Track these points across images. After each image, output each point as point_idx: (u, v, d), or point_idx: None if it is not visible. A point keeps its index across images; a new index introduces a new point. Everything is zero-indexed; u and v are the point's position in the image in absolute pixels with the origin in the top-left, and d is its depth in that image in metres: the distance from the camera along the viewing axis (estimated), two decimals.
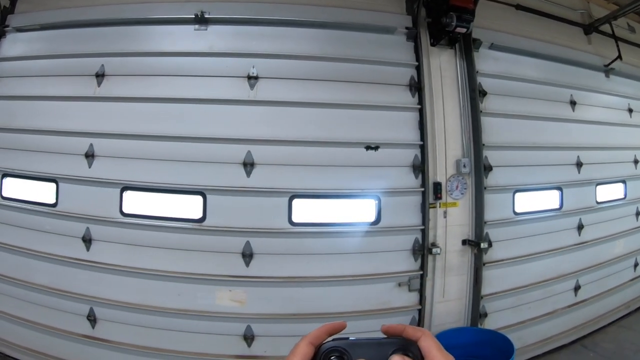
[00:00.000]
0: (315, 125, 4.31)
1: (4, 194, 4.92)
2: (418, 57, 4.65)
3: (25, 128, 4.76)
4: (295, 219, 4.26)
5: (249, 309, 4.27)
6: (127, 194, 4.33)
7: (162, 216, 4.29)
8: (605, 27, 5.80)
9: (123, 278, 4.37)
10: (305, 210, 4.28)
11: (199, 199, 4.23)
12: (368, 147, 4.39)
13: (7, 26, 5.32)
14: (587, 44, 5.88)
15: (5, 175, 4.91)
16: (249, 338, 4.27)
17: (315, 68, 4.39)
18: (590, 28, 5.80)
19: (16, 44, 5.21)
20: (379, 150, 4.41)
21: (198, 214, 4.25)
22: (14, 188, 4.90)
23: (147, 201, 4.34)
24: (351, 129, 4.35)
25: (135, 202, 4.34)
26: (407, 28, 4.66)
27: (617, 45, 5.74)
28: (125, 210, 4.32)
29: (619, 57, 5.73)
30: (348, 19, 4.51)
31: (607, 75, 6.00)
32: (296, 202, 4.26)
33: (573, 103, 5.54)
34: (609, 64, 5.86)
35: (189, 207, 4.25)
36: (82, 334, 4.52)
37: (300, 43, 4.42)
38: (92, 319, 4.47)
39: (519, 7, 5.32)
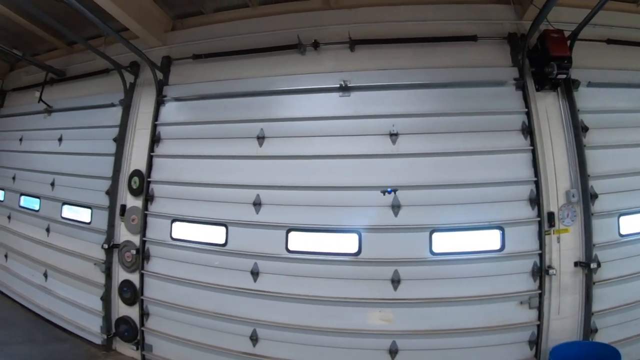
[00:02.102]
0: (447, 170, 5.45)
1: (174, 235, 6.35)
2: (527, 104, 5.67)
3: (194, 182, 6.21)
4: (435, 249, 5.39)
5: (394, 326, 5.37)
6: (292, 234, 5.64)
7: (322, 251, 5.55)
8: None
9: (285, 304, 5.63)
10: (442, 242, 5.39)
11: (355, 236, 5.46)
12: (488, 185, 5.43)
13: (165, 96, 6.75)
14: None
15: (175, 220, 6.33)
16: (393, 352, 5.36)
17: (442, 122, 5.56)
18: None
19: (174, 111, 6.67)
20: (500, 187, 5.44)
21: (354, 249, 5.46)
22: (183, 231, 6.32)
23: (308, 240, 5.62)
24: (479, 171, 5.44)
25: (299, 241, 5.64)
26: (515, 79, 5.73)
27: None
28: (291, 247, 5.63)
29: None
30: (465, 77, 5.64)
31: None
32: (436, 236, 5.38)
33: None
34: None
35: (345, 243, 5.47)
36: (243, 352, 5.80)
37: (426, 102, 5.61)
38: (254, 338, 5.74)
39: (609, 41, 5.97)
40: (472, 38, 5.74)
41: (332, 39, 5.97)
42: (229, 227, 5.95)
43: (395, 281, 5.32)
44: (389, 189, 5.37)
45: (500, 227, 5.44)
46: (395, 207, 5.37)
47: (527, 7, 5.68)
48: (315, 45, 5.96)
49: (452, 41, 5.75)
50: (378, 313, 5.36)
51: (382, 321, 5.36)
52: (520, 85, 5.73)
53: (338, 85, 5.70)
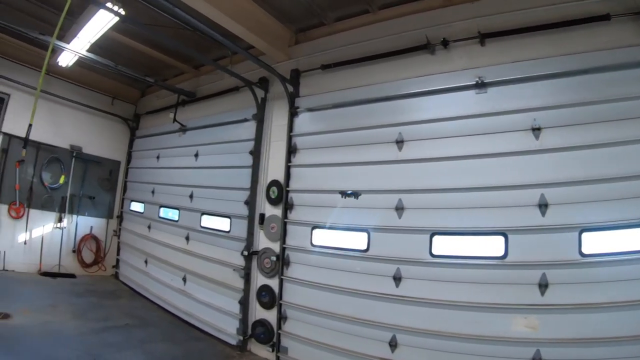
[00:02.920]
0: (597, 163, 5.04)
1: (314, 242, 6.77)
2: None
3: (334, 189, 6.60)
4: (585, 251, 5.02)
5: (540, 334, 5.07)
6: (436, 238, 5.70)
7: (467, 255, 5.51)
8: None
9: (427, 309, 5.65)
10: (596, 242, 5.00)
11: (501, 239, 5.34)
12: None
13: (298, 107, 7.23)
14: None
15: (315, 227, 6.77)
16: None
17: (586, 112, 5.15)
18: None
19: (308, 121, 7.15)
20: None
21: (500, 252, 5.34)
22: (323, 238, 6.72)
23: (452, 243, 5.62)
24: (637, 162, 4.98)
25: (442, 245, 5.67)
26: None
27: None
28: (434, 252, 5.69)
29: None
30: (605, 61, 5.14)
31: None
32: (586, 236, 5.02)
33: None
34: None
35: (491, 246, 5.38)
36: (381, 357, 5.87)
37: (567, 92, 5.25)
38: (393, 344, 5.82)
39: None
40: (605, 17, 5.33)
41: (460, 35, 5.92)
42: (371, 233, 6.18)
43: (543, 285, 5.09)
44: (348, 191, 5.77)
45: None
46: (542, 206, 5.16)
47: None
48: (445, 43, 5.94)
49: (584, 23, 5.37)
50: (523, 320, 5.18)
51: (526, 328, 5.14)
52: None
53: (474, 82, 5.65)
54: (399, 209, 5.95)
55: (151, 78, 9.97)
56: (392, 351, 5.82)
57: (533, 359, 5.04)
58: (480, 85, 5.64)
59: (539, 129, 5.30)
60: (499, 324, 5.22)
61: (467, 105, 5.74)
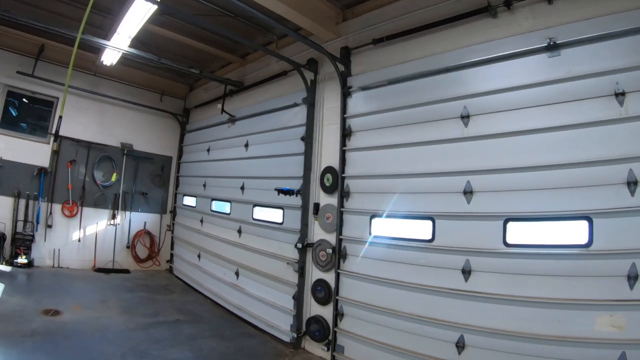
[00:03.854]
0: None
1: (373, 232, 6.44)
2: None
3: (394, 173, 6.22)
4: None
5: (627, 334, 4.41)
6: (511, 225, 5.15)
7: (546, 244, 4.93)
8: None
9: (500, 306, 5.09)
10: None
11: (584, 224, 4.71)
12: None
13: (351, 87, 6.89)
14: None
15: (374, 216, 6.45)
16: None
17: None
18: None
19: (362, 101, 6.80)
20: None
21: (583, 239, 4.71)
22: (383, 227, 6.36)
23: (529, 230, 5.06)
24: None
25: (518, 232, 5.11)
26: None
27: None
28: (509, 240, 5.13)
29: None
30: None
31: None
32: None
33: None
34: None
35: (573, 233, 4.78)
36: (446, 359, 5.42)
37: None
38: (460, 345, 5.33)
39: None
40: None
41: None
42: (436, 221, 5.71)
43: (633, 278, 4.41)
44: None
45: None
46: (632, 184, 4.46)
47: None
48: (508, 3, 5.36)
49: None
50: (608, 317, 4.55)
51: (612, 327, 4.51)
52: None
53: (545, 45, 5.03)
54: (468, 192, 5.43)
55: (196, 70, 9.99)
56: (460, 353, 5.33)
57: None
58: (552, 47, 5.01)
59: (622, 93, 4.59)
60: (581, 323, 4.63)
61: (539, 71, 5.13)
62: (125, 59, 9.61)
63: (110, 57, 9.40)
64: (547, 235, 4.96)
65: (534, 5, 5.29)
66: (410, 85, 6.29)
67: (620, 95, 4.62)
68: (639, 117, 4.53)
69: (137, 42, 8.45)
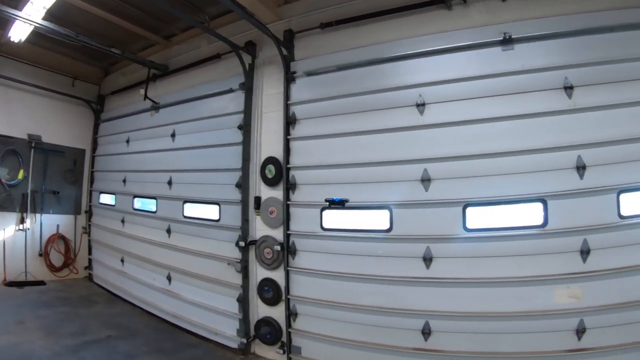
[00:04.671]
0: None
1: (325, 225, 6.30)
2: None
3: (345, 163, 6.12)
4: (623, 213, 4.86)
5: (584, 303, 4.92)
6: (470, 210, 5.34)
7: (506, 227, 5.20)
8: None
9: (463, 289, 5.33)
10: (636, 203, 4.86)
11: (539, 206, 5.09)
12: None
13: (295, 72, 6.61)
14: None
15: (325, 208, 6.30)
16: (580, 331, 4.90)
17: (619, 70, 4.95)
18: None
19: (307, 87, 6.60)
20: None
21: (539, 220, 5.09)
22: (336, 220, 6.24)
23: (487, 215, 5.29)
24: None
25: (477, 217, 5.32)
26: None
27: None
28: (469, 225, 5.34)
29: None
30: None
31: None
32: (624, 197, 4.86)
33: None
34: None
35: (530, 215, 5.13)
36: (414, 347, 5.53)
37: (597, 49, 5.02)
38: (426, 332, 5.47)
39: None
40: None
41: None
42: (394, 210, 5.76)
43: (585, 252, 4.90)
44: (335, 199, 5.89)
45: None
46: (580, 169, 4.95)
47: None
48: None
49: None
50: (565, 290, 4.96)
51: (570, 298, 4.97)
52: None
53: (500, 39, 5.32)
54: (425, 180, 5.52)
55: (117, 50, 9.06)
56: (426, 339, 5.47)
57: (577, 329, 4.91)
58: (507, 42, 5.34)
59: (571, 87, 5.09)
60: (542, 297, 5.04)
61: (494, 63, 5.41)
62: (35, 37, 8.40)
63: (20, 31, 8.04)
64: (505, 219, 5.24)
65: (488, 2, 5.55)
66: (361, 71, 6.20)
67: (568, 89, 5.09)
68: (586, 108, 5.03)
69: (50, 15, 7.44)
